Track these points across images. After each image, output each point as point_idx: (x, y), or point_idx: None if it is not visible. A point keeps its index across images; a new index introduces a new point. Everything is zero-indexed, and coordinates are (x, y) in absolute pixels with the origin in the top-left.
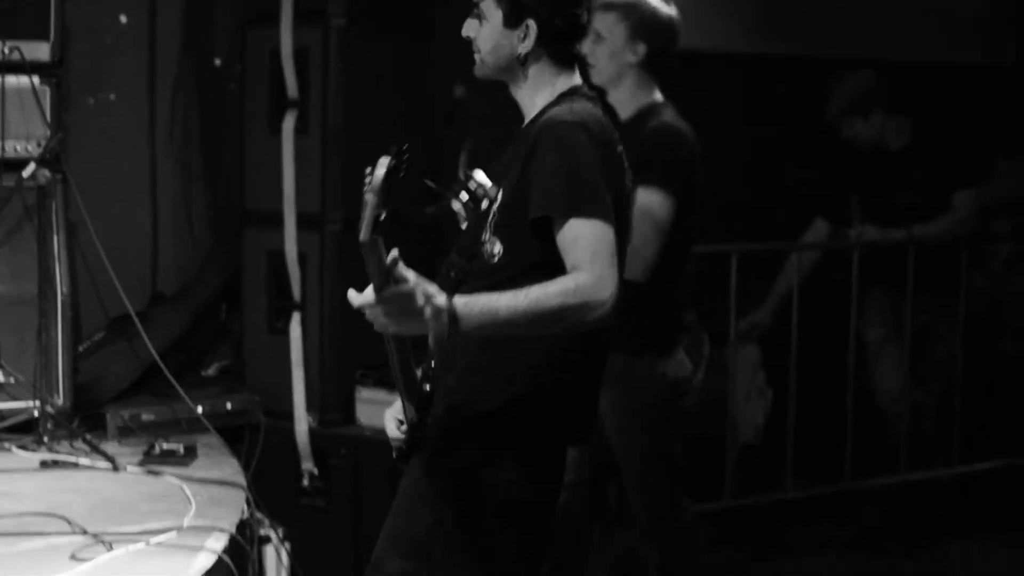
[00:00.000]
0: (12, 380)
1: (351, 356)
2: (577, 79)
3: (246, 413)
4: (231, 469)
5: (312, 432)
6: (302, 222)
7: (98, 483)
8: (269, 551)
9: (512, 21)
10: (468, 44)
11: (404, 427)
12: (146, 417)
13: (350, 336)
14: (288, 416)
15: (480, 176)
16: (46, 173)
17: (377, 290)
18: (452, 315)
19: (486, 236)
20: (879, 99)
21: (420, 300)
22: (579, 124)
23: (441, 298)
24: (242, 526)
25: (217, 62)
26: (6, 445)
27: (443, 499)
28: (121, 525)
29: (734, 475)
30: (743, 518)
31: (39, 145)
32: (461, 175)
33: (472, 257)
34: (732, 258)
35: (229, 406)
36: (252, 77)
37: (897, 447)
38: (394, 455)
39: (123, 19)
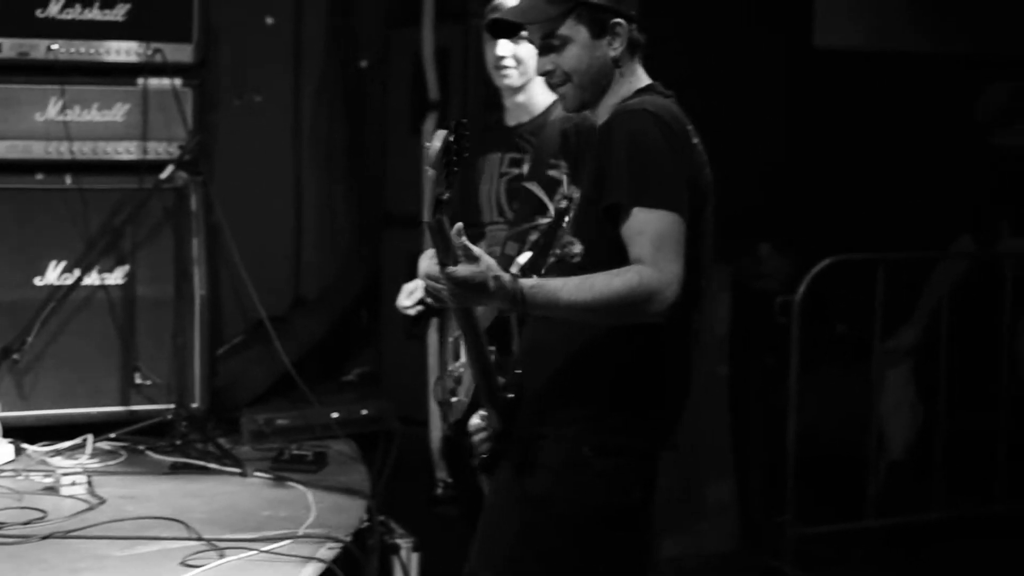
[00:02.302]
0: (148, 382)
1: None
2: (646, 75)
3: (381, 420)
4: (359, 476)
5: (446, 440)
6: None
7: (224, 488)
8: (398, 561)
9: (598, 30)
10: None
11: (485, 435)
12: (280, 422)
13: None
14: (425, 423)
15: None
16: (183, 175)
17: (442, 265)
18: (517, 295)
19: (566, 237)
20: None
21: (487, 278)
22: (647, 112)
23: (507, 277)
24: (360, 535)
25: (363, 63)
26: (140, 447)
27: (534, 504)
28: (239, 531)
29: (878, 493)
30: (887, 539)
31: (180, 148)
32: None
33: (550, 259)
34: (879, 267)
35: (364, 412)
36: (395, 78)
37: None
38: (477, 465)
39: (269, 20)
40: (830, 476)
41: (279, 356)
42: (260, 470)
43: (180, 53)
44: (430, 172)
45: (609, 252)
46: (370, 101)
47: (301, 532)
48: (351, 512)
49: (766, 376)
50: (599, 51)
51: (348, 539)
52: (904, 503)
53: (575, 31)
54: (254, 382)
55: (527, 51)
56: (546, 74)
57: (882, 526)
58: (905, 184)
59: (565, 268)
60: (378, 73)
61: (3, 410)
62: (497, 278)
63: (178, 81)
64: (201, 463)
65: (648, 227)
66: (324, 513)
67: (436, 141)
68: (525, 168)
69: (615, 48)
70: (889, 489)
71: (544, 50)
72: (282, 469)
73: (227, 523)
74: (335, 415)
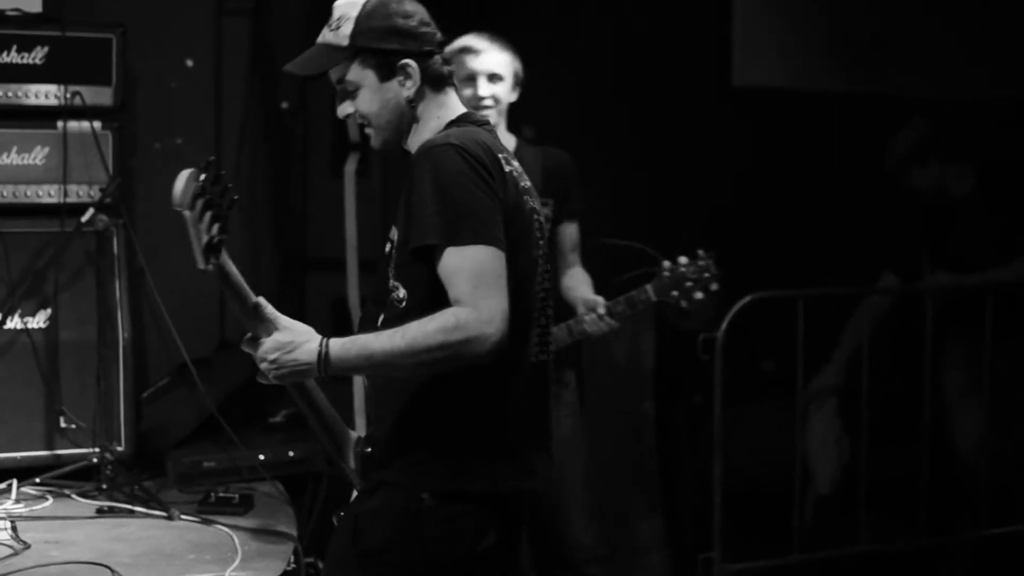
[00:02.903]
0: (73, 426)
1: None
2: (459, 105)
3: (308, 461)
4: (285, 519)
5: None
6: (364, 267)
7: (150, 531)
8: None
9: (386, 73)
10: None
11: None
12: (207, 464)
13: None
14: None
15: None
16: (104, 218)
17: (245, 323)
18: (326, 358)
19: (391, 283)
20: (935, 148)
21: (292, 344)
22: (449, 146)
23: (314, 342)
24: None
25: (284, 105)
26: (67, 492)
27: (372, 557)
28: (163, 575)
29: (804, 528)
30: (815, 573)
31: (101, 191)
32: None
33: (383, 305)
34: (799, 303)
35: (291, 454)
36: (315, 120)
37: (978, 500)
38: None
39: (189, 63)
40: (758, 512)
41: (204, 399)
42: (186, 513)
43: (100, 96)
44: (186, 214)
45: (430, 292)
46: (292, 144)
47: (227, 575)
48: (278, 554)
49: (694, 413)
50: (390, 93)
51: None
52: (831, 537)
53: (362, 76)
54: (180, 425)
55: (503, 90)
56: (347, 117)
57: (809, 560)
58: (828, 222)
59: (396, 314)
60: (299, 115)
61: None
62: (304, 343)
63: (98, 124)
64: (127, 507)
65: (464, 265)
66: (250, 556)
67: (179, 181)
68: None
69: (408, 88)
70: (816, 524)
71: (341, 95)
72: (208, 512)
73: (152, 567)
74: (262, 457)
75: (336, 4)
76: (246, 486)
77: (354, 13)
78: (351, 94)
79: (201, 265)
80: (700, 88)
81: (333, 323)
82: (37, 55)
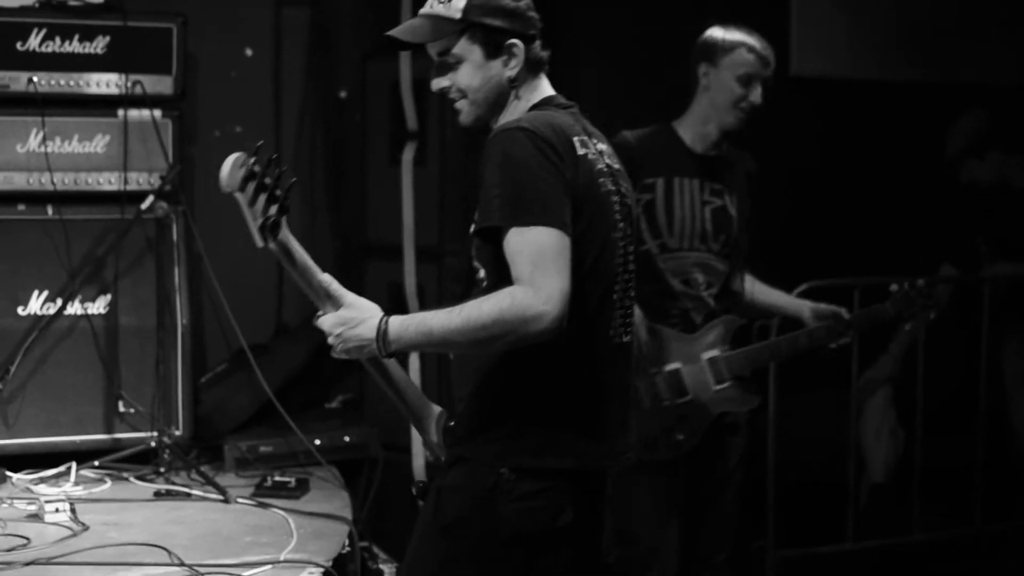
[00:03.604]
0: (132, 410)
1: None
2: (547, 88)
3: (364, 446)
4: (341, 503)
5: (429, 467)
6: (421, 254)
7: (207, 514)
8: None
9: (493, 51)
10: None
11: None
12: (263, 449)
13: None
14: (408, 450)
15: None
16: (163, 205)
17: (313, 300)
18: (384, 334)
19: (473, 263)
20: (995, 138)
21: (356, 319)
22: (519, 128)
23: (376, 318)
24: (341, 560)
25: (343, 94)
26: (125, 475)
27: (451, 530)
28: (219, 557)
29: (858, 517)
30: (868, 562)
31: (161, 178)
32: None
33: (470, 285)
34: (855, 293)
35: (347, 439)
36: (373, 109)
37: None
38: (415, 492)
39: (248, 52)
40: (812, 500)
41: (262, 384)
42: (243, 497)
43: (160, 85)
44: (238, 196)
45: (500, 273)
46: (349, 132)
47: (282, 558)
48: (333, 538)
49: None
50: (493, 71)
51: (328, 564)
52: (885, 526)
53: (468, 51)
54: (237, 410)
55: None
56: (442, 90)
57: (863, 549)
58: (886, 211)
59: (479, 292)
60: (357, 104)
61: None
62: (366, 319)
63: (158, 112)
64: (184, 490)
65: (526, 247)
66: (306, 539)
67: (225, 166)
68: (727, 200)
69: (511, 68)
70: (870, 512)
71: (440, 68)
72: (264, 495)
73: (209, 549)
74: (318, 442)
75: None
76: (302, 470)
77: None
78: (451, 67)
79: (259, 243)
80: None
81: (390, 309)
82: (99, 44)
